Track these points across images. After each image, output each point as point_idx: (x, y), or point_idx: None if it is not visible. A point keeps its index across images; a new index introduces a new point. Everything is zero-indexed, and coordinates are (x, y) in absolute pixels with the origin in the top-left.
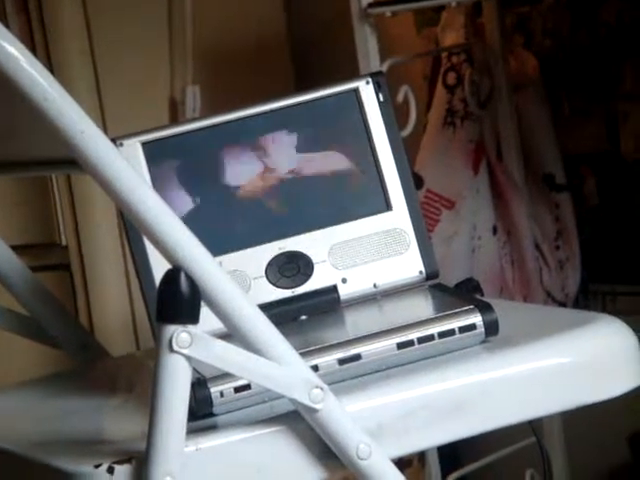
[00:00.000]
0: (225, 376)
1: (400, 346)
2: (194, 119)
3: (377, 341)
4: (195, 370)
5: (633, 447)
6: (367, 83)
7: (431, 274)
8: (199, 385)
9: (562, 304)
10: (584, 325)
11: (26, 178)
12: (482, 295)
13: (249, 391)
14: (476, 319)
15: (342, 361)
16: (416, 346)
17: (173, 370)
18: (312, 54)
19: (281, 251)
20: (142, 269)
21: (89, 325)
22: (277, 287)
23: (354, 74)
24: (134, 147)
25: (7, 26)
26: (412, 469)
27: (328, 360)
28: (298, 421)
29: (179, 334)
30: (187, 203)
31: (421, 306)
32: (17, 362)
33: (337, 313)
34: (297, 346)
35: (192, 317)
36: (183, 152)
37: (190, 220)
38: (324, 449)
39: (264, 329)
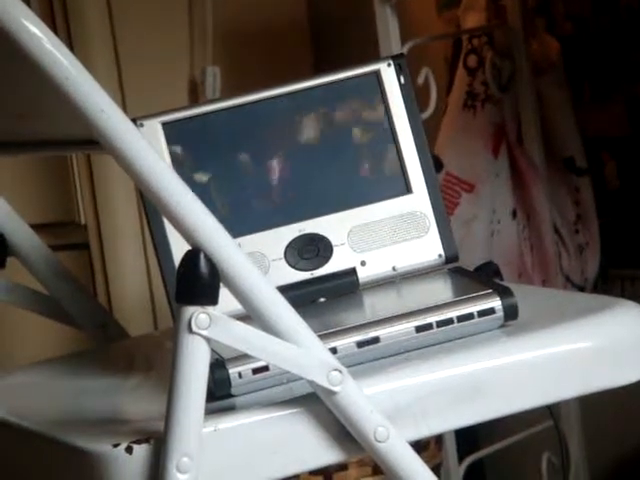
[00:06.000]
0: (243, 357)
1: (419, 329)
2: (214, 100)
3: (396, 324)
4: (214, 351)
5: None
6: (388, 65)
7: (450, 257)
8: (218, 366)
9: (581, 288)
10: (603, 310)
11: (46, 157)
12: (502, 279)
13: (267, 372)
14: (495, 303)
15: (361, 344)
16: (435, 330)
17: (192, 351)
18: (332, 36)
19: (300, 233)
20: (161, 250)
21: (107, 304)
22: (296, 269)
23: (374, 56)
24: (154, 127)
25: (29, 6)
26: (429, 452)
27: (347, 343)
28: (316, 403)
29: (198, 315)
30: (207, 184)
31: (440, 289)
32: (36, 341)
33: (356, 296)
34: (315, 328)
35: (211, 298)
36: (203, 133)
37: (209, 201)
38: (342, 431)
39: (283, 311)
